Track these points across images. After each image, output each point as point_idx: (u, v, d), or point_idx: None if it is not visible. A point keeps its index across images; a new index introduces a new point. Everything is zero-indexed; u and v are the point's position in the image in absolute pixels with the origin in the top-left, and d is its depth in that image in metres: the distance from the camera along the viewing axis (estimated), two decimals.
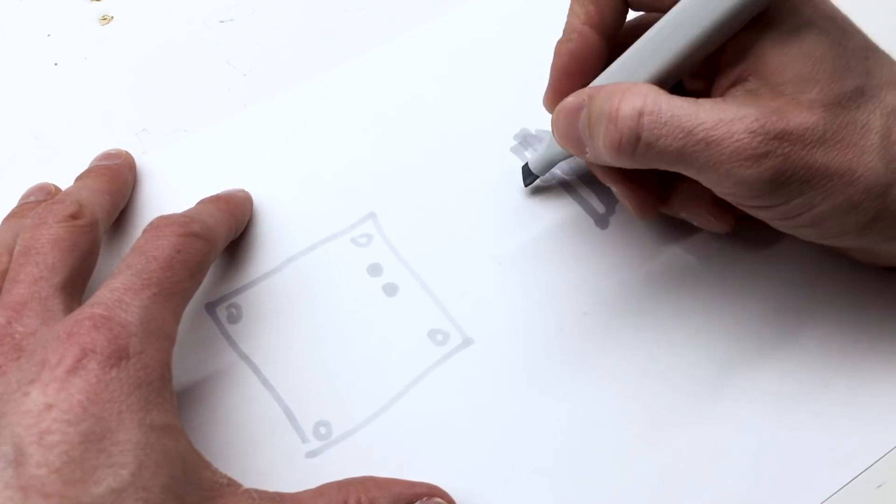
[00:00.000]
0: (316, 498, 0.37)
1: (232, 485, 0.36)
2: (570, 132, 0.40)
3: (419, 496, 0.38)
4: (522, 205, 0.47)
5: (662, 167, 0.38)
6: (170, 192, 0.48)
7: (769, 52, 0.37)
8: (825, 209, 0.37)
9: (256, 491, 0.36)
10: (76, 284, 0.39)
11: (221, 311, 0.44)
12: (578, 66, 0.42)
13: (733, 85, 0.38)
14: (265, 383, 0.42)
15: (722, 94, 0.39)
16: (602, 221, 0.47)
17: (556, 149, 0.44)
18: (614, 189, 0.44)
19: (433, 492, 0.39)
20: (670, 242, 0.46)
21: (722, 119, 0.36)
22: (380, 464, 0.40)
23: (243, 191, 0.47)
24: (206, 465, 0.36)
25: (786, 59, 0.36)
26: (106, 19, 0.55)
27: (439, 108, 0.51)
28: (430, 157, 0.49)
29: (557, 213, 0.47)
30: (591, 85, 0.41)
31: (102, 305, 0.35)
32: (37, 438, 0.31)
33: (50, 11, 0.55)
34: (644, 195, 0.43)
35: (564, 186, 0.48)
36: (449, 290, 0.45)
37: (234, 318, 0.44)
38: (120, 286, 0.36)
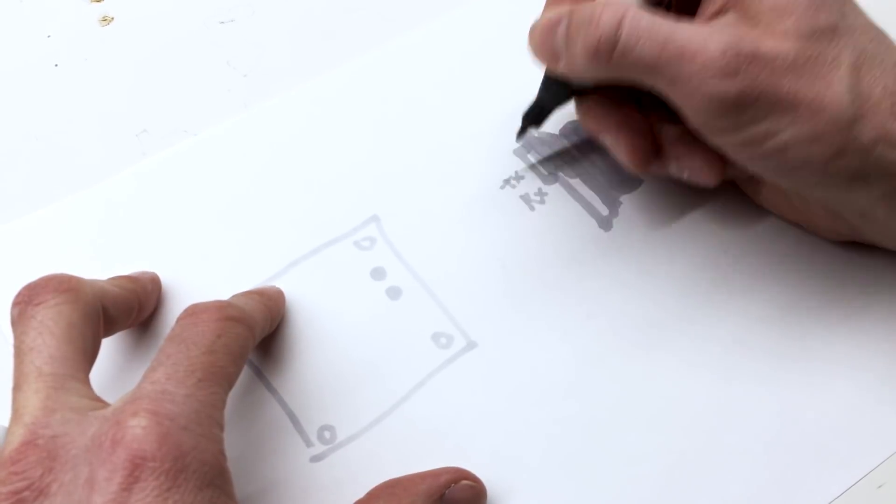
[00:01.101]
0: None
1: None
2: (546, 43, 0.41)
3: (448, 484, 0.38)
4: (525, 208, 0.47)
5: (636, 77, 0.39)
6: (171, 195, 0.48)
7: None
8: (789, 137, 0.37)
9: None
10: (85, 369, 0.36)
11: None
12: None
13: (714, 17, 0.39)
14: (269, 388, 0.42)
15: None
16: (605, 224, 0.47)
17: (545, 93, 0.45)
18: (606, 139, 0.44)
19: (459, 475, 0.39)
20: (674, 245, 0.46)
21: (697, 33, 0.37)
22: (384, 468, 0.40)
23: (275, 287, 0.44)
24: None
25: None
26: (106, 20, 0.55)
27: (441, 110, 0.51)
28: (432, 160, 0.49)
29: (561, 215, 0.47)
30: None
31: (146, 399, 0.32)
32: None
33: (50, 12, 0.55)
34: (637, 142, 0.43)
35: (567, 189, 0.48)
36: (452, 294, 0.45)
37: None
38: (162, 377, 0.33)
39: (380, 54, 0.53)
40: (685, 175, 0.44)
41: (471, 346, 0.44)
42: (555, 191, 0.48)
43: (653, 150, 0.44)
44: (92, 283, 0.38)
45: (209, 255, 0.46)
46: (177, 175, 0.48)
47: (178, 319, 0.36)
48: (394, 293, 0.45)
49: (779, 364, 0.43)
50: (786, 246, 0.46)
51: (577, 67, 0.40)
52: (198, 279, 0.45)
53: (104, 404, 0.33)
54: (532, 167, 0.48)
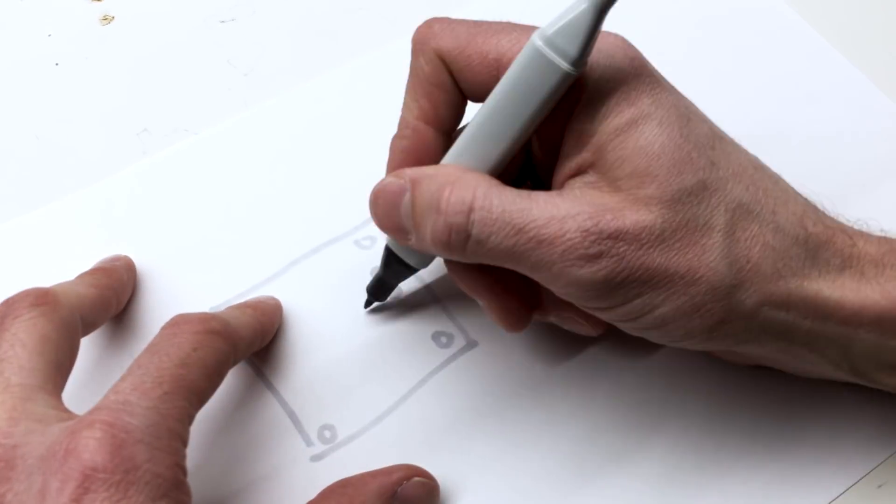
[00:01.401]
0: None
1: None
2: (391, 218, 0.37)
3: (400, 482, 0.38)
4: None
5: (495, 264, 0.36)
6: (171, 194, 0.48)
7: (607, 146, 0.35)
8: (667, 311, 0.35)
9: None
10: (56, 381, 0.35)
11: None
12: (414, 164, 0.39)
13: (573, 176, 0.36)
14: (269, 387, 0.42)
15: (561, 185, 0.37)
16: None
17: (387, 269, 0.43)
18: (480, 302, 0.40)
19: (411, 472, 0.39)
20: None
21: (554, 216, 0.34)
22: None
23: (273, 298, 0.44)
24: None
25: (623, 153, 0.34)
26: (107, 19, 0.55)
27: None
28: None
29: None
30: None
31: (105, 410, 0.31)
32: None
33: (51, 11, 0.55)
34: (510, 306, 0.40)
35: None
36: (453, 293, 0.45)
37: None
38: (127, 387, 0.33)
39: (380, 54, 0.53)
40: (566, 327, 0.42)
41: (471, 345, 0.44)
42: None
43: (528, 309, 0.40)
44: (69, 294, 0.38)
45: (209, 254, 0.46)
46: (177, 174, 0.48)
47: (161, 329, 0.36)
48: (395, 292, 0.45)
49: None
50: None
51: (430, 251, 0.37)
52: (198, 278, 0.45)
53: (71, 416, 0.33)
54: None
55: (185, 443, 0.33)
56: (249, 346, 0.40)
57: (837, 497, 0.41)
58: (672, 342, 0.37)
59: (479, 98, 0.37)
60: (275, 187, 0.48)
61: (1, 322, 0.36)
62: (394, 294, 0.45)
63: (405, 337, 0.44)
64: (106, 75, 0.52)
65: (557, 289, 0.35)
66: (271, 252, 0.46)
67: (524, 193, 0.35)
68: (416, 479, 0.38)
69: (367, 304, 0.45)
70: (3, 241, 0.46)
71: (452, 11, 0.54)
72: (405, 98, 0.40)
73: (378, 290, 0.44)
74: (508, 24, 0.38)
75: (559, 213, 0.34)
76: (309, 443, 0.41)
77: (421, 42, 0.38)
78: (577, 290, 0.35)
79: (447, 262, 0.40)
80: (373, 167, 0.48)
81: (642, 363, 0.43)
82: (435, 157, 0.39)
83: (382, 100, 0.50)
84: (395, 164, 0.40)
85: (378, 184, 0.38)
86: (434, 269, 0.45)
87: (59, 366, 0.36)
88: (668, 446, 0.42)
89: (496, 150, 0.36)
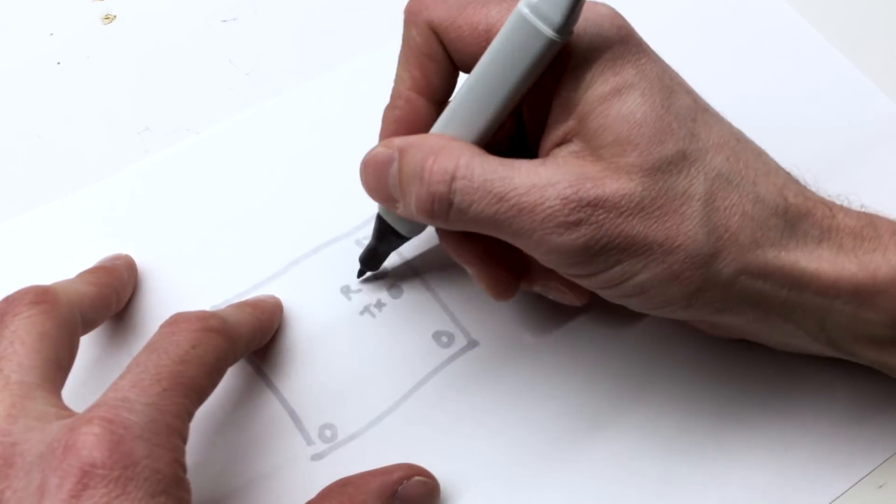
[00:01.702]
0: None
1: None
2: (380, 187, 0.38)
3: (400, 481, 0.38)
4: None
5: (479, 231, 0.36)
6: (173, 193, 0.48)
7: (591, 114, 0.35)
8: (646, 278, 0.35)
9: None
10: (55, 378, 0.35)
11: None
12: (405, 134, 0.39)
13: (558, 145, 0.37)
14: (270, 386, 0.42)
15: (547, 154, 0.37)
16: None
17: (378, 240, 0.43)
18: (469, 270, 0.41)
19: (412, 471, 0.39)
20: None
21: (535, 184, 0.34)
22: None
23: (273, 297, 0.44)
24: None
25: (606, 121, 0.35)
26: (108, 18, 0.55)
27: None
28: None
29: None
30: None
31: (104, 407, 0.31)
32: None
33: (53, 10, 0.55)
34: (499, 275, 0.41)
35: None
36: (454, 292, 0.45)
37: None
38: (126, 384, 0.33)
39: (381, 53, 0.53)
40: (551, 296, 0.42)
41: (472, 344, 0.44)
42: None
43: (516, 278, 0.41)
44: (69, 292, 0.38)
45: (210, 253, 0.46)
46: (179, 173, 0.48)
47: (160, 327, 0.36)
48: (395, 291, 0.45)
49: (781, 364, 0.43)
50: None
51: (416, 219, 0.38)
52: (199, 277, 0.45)
53: (70, 413, 0.33)
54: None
55: (184, 439, 0.33)
56: (249, 343, 0.40)
57: (838, 497, 0.41)
58: (652, 310, 0.38)
59: (470, 68, 0.38)
60: (276, 187, 0.48)
61: (0, 319, 0.36)
62: (389, 290, 0.45)
63: (406, 336, 0.44)
64: (107, 74, 0.52)
65: (539, 256, 0.36)
66: (272, 251, 0.46)
67: (507, 162, 0.35)
68: (417, 478, 0.39)
69: (360, 273, 0.45)
70: (4, 240, 0.46)
71: None
72: (397, 69, 0.40)
73: (370, 260, 0.44)
74: None
75: (540, 182, 0.34)
76: (309, 442, 0.41)
77: (413, 13, 0.39)
78: (558, 257, 0.35)
79: (438, 230, 0.41)
80: None
81: (644, 359, 0.44)
82: (426, 127, 0.39)
83: (384, 99, 0.51)
84: (386, 134, 0.40)
85: (368, 153, 0.38)
86: (435, 270, 0.45)
87: (59, 363, 0.35)
88: (668, 444, 0.42)
89: (482, 118, 0.37)
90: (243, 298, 0.44)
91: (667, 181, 0.35)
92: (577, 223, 0.34)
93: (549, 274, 0.39)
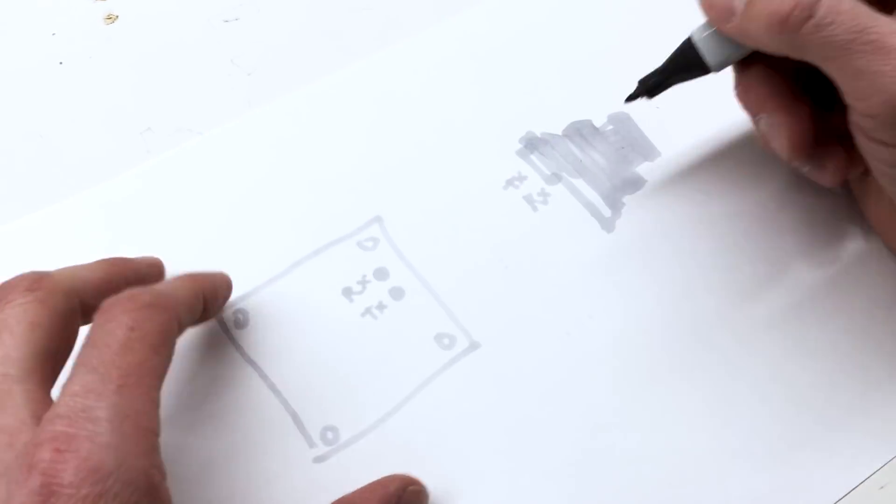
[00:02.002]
0: None
1: None
2: None
3: (399, 493, 0.38)
4: (528, 208, 0.47)
5: (817, 58, 0.35)
6: (175, 195, 0.48)
7: None
8: None
9: None
10: (44, 370, 0.34)
11: (228, 316, 0.44)
12: None
13: None
14: (272, 388, 0.42)
15: None
16: (608, 225, 0.47)
17: (679, 62, 0.42)
18: (763, 120, 0.41)
19: (406, 481, 0.39)
20: (676, 247, 0.46)
21: None
22: (387, 468, 0.40)
23: (221, 273, 0.43)
24: None
25: None
26: (111, 18, 0.55)
27: (445, 111, 0.51)
28: (436, 160, 0.49)
29: (563, 216, 0.47)
30: None
31: (64, 420, 0.29)
32: None
33: (55, 10, 0.55)
34: (799, 129, 0.40)
35: (570, 190, 0.48)
36: (455, 294, 0.45)
37: (240, 324, 0.44)
38: (80, 389, 0.30)
39: (385, 55, 0.53)
40: (805, 170, 0.42)
41: (473, 346, 0.44)
42: (557, 192, 0.48)
43: (812, 139, 0.41)
44: (68, 278, 0.36)
45: (212, 254, 0.46)
46: (181, 175, 0.48)
47: (94, 318, 0.34)
48: (397, 293, 0.45)
49: (782, 366, 0.43)
50: (791, 245, 0.46)
51: (752, 31, 0.37)
52: None
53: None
54: (535, 168, 0.47)
55: (156, 433, 0.32)
56: (191, 311, 0.39)
57: (840, 499, 0.41)
58: None
59: None
60: (278, 188, 0.48)
61: None
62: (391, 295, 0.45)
63: (407, 338, 0.44)
64: (110, 74, 0.52)
65: (868, 103, 0.35)
66: (274, 253, 0.46)
67: (873, 9, 0.35)
68: (411, 487, 0.39)
69: (632, 97, 0.44)
70: (7, 242, 0.46)
71: (458, 12, 0.54)
72: None
73: (653, 88, 0.43)
74: None
75: None
76: (311, 444, 0.41)
77: None
78: (886, 110, 0.34)
79: (738, 77, 0.41)
80: (376, 168, 0.48)
81: (644, 363, 0.43)
82: None
83: (386, 100, 0.51)
84: None
85: None
86: (437, 269, 0.46)
87: (50, 354, 0.34)
88: (670, 445, 0.42)
89: None
90: (245, 301, 0.44)
91: None
92: None
93: (820, 145, 0.40)
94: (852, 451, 0.42)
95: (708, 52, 0.41)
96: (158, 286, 0.37)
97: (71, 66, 0.53)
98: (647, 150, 0.49)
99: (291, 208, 0.47)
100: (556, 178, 0.48)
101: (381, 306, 0.45)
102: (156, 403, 0.32)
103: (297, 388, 0.42)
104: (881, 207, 0.43)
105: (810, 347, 0.44)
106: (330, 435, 0.42)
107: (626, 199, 0.48)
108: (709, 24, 0.40)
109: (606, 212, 0.47)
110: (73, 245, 0.46)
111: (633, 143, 0.49)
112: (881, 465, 0.41)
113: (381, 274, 0.45)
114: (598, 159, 0.49)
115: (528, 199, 0.48)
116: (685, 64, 0.42)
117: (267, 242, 0.46)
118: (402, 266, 0.46)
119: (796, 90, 0.40)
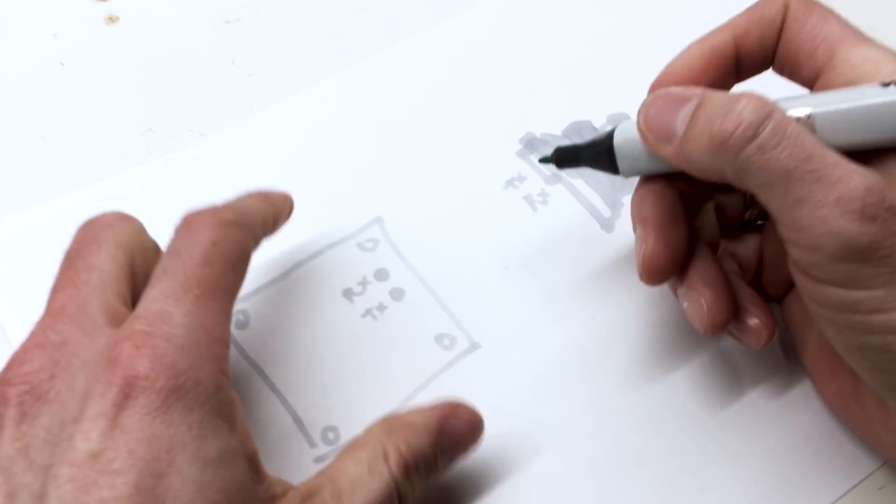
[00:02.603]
0: (352, 461, 0.36)
1: (283, 490, 0.34)
2: (663, 118, 0.36)
3: (446, 417, 0.38)
4: (528, 209, 0.47)
5: (755, 184, 0.34)
6: (175, 196, 0.48)
7: None
8: None
9: (303, 484, 0.35)
10: (121, 288, 0.36)
11: None
12: (702, 56, 0.39)
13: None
14: (273, 389, 0.42)
15: None
16: (608, 225, 0.47)
17: (593, 155, 0.40)
18: (638, 230, 0.39)
19: (457, 407, 0.38)
20: None
21: (844, 165, 0.32)
22: None
23: (285, 192, 0.44)
24: (262, 478, 0.34)
25: None
26: (112, 19, 0.55)
27: (445, 113, 0.51)
28: (436, 162, 0.49)
29: (563, 216, 0.47)
30: None
31: (142, 320, 0.32)
32: (85, 497, 0.29)
33: (56, 11, 0.55)
34: (664, 251, 0.39)
35: (570, 190, 0.48)
36: (455, 295, 0.45)
37: (241, 325, 0.44)
38: (159, 294, 0.33)
39: (385, 57, 0.53)
40: (685, 305, 0.40)
41: (474, 347, 0.44)
42: (557, 192, 0.48)
43: (673, 264, 0.39)
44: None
45: None
46: (182, 175, 0.49)
47: (175, 229, 0.36)
48: (397, 294, 0.45)
49: (782, 365, 0.43)
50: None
51: (692, 153, 0.35)
52: None
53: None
54: (535, 168, 0.47)
55: (227, 344, 0.34)
56: (264, 227, 0.41)
57: (838, 499, 0.41)
58: (871, 364, 0.35)
59: (783, 64, 0.39)
60: (279, 189, 0.48)
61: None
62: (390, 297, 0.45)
63: (408, 339, 0.44)
64: (111, 75, 0.53)
65: (809, 236, 0.33)
66: (275, 254, 0.46)
67: (818, 137, 0.33)
68: (462, 415, 0.38)
69: (545, 160, 0.42)
70: (5, 236, 0.47)
71: (458, 13, 0.54)
72: (734, 17, 0.39)
73: (565, 160, 0.42)
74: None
75: (850, 165, 0.32)
76: (312, 444, 0.41)
77: None
78: (831, 242, 0.32)
79: (639, 185, 0.40)
80: (376, 169, 0.49)
81: (645, 363, 0.44)
82: (719, 70, 0.39)
83: (387, 103, 0.51)
84: (684, 53, 0.40)
85: (662, 89, 0.37)
86: (437, 273, 0.46)
87: (131, 271, 0.36)
88: (670, 446, 0.42)
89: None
90: (246, 302, 0.44)
91: None
92: (872, 218, 0.31)
93: (705, 285, 0.39)
94: (850, 452, 0.42)
95: (623, 158, 0.39)
96: (236, 203, 0.39)
97: (72, 67, 0.53)
98: None
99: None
100: (555, 178, 0.48)
101: (381, 307, 0.45)
102: (228, 317, 0.35)
103: (297, 388, 0.43)
104: (821, 358, 0.41)
105: None
106: (331, 435, 0.42)
107: (626, 199, 0.47)
108: (632, 132, 0.39)
109: (606, 212, 0.47)
110: (68, 243, 0.46)
111: None
112: (879, 466, 0.41)
113: (381, 275, 0.46)
114: None
115: (528, 200, 0.48)
116: (598, 157, 0.40)
117: (268, 243, 0.46)
118: (402, 267, 0.46)
119: (681, 218, 0.39)
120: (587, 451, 0.42)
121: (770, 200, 0.33)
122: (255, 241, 0.39)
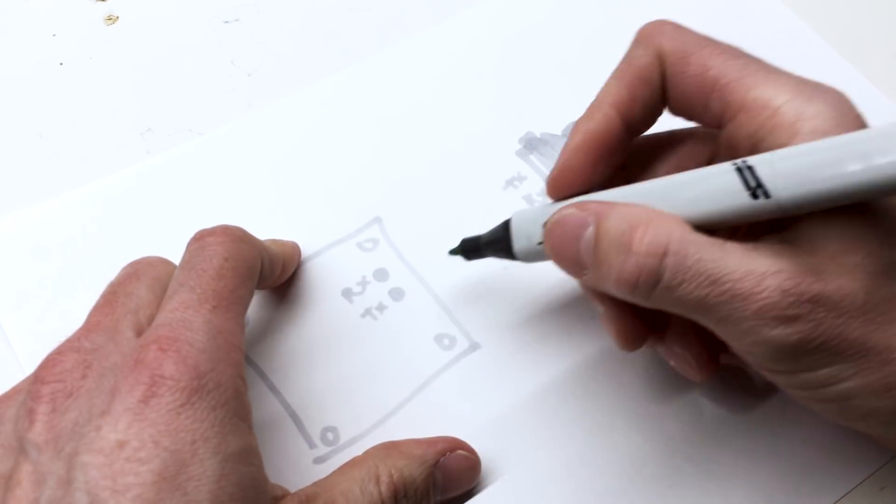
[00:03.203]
0: (347, 477, 0.37)
1: (282, 494, 0.36)
2: (567, 251, 0.36)
3: (443, 453, 0.39)
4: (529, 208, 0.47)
5: (677, 312, 0.34)
6: (174, 195, 0.48)
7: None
8: (853, 386, 0.32)
9: (300, 491, 0.36)
10: (153, 312, 0.37)
11: None
12: (594, 148, 0.38)
13: (770, 230, 0.34)
14: (272, 389, 0.42)
15: (756, 238, 0.34)
16: None
17: (496, 246, 0.41)
18: (600, 309, 0.39)
19: (455, 445, 0.39)
20: None
21: (752, 271, 0.32)
22: None
23: (295, 243, 0.46)
24: (267, 480, 0.35)
25: (833, 215, 0.32)
26: (111, 19, 0.55)
27: (444, 112, 0.51)
28: (435, 161, 0.49)
29: None
30: (599, 198, 0.37)
31: (166, 327, 0.34)
32: (111, 483, 0.30)
33: (55, 11, 0.55)
34: (634, 324, 0.38)
35: None
36: (455, 295, 0.45)
37: None
38: (178, 305, 0.35)
39: (384, 57, 0.53)
40: (671, 363, 0.40)
41: (474, 347, 0.44)
42: None
43: (647, 332, 0.39)
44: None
45: None
46: (181, 175, 0.48)
47: (188, 245, 0.38)
48: (397, 294, 0.45)
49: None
50: None
51: (607, 290, 0.35)
52: None
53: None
54: (534, 168, 0.47)
55: (243, 352, 0.36)
56: (272, 260, 0.42)
57: (839, 500, 0.41)
58: (846, 420, 0.35)
59: (679, 110, 0.38)
60: (277, 190, 0.48)
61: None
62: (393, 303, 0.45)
63: (408, 339, 0.44)
64: (110, 75, 0.53)
65: (740, 346, 0.34)
66: None
67: (717, 242, 0.33)
68: (460, 451, 0.39)
69: (454, 252, 0.43)
70: (2, 236, 0.47)
71: (457, 13, 0.54)
72: (607, 81, 0.39)
73: (470, 252, 0.43)
74: (737, 48, 0.37)
75: (758, 268, 0.32)
76: (312, 445, 0.41)
77: (647, 35, 0.38)
78: (763, 349, 0.33)
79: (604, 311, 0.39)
80: (375, 169, 0.48)
81: (645, 364, 0.43)
82: (614, 151, 0.38)
83: (387, 103, 0.51)
84: (574, 144, 0.38)
85: (557, 212, 0.36)
86: (437, 272, 0.46)
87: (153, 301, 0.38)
88: (671, 446, 0.42)
89: (695, 210, 0.34)
90: None
91: (891, 287, 0.32)
92: (795, 318, 0.31)
93: (685, 341, 0.39)
94: (851, 452, 0.42)
95: (521, 251, 0.40)
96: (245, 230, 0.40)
97: (71, 66, 0.53)
98: None
99: (291, 209, 0.47)
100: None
101: (381, 307, 0.45)
102: (242, 327, 0.37)
103: (297, 388, 0.43)
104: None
105: None
106: (330, 436, 0.42)
107: None
108: (528, 238, 0.39)
109: None
110: (68, 241, 0.46)
111: None
112: (880, 466, 0.41)
113: (380, 275, 0.46)
114: None
115: (528, 200, 0.48)
116: (500, 248, 0.41)
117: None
118: (401, 267, 0.46)
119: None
120: (586, 451, 0.41)
121: (699, 320, 0.34)
122: (263, 261, 0.41)
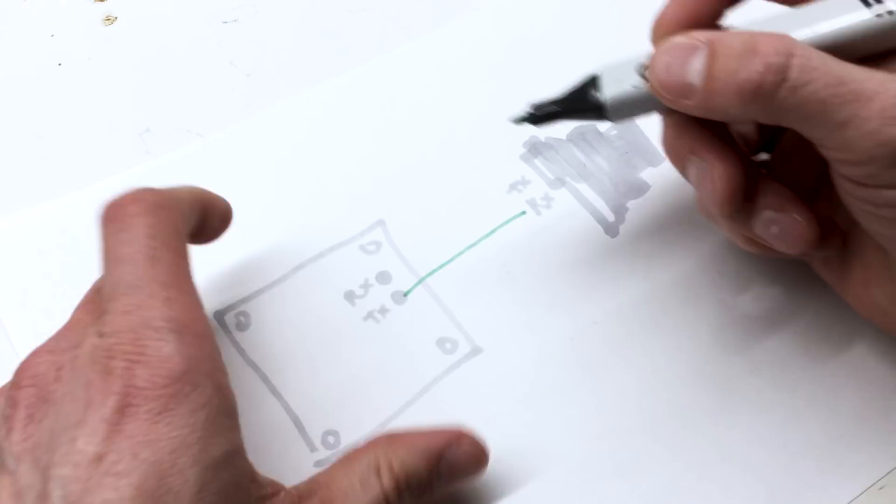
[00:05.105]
0: (346, 471, 0.36)
1: (274, 491, 0.35)
2: (675, 76, 0.35)
3: (448, 444, 0.38)
4: (531, 212, 0.47)
5: (793, 122, 0.34)
6: None
7: None
8: None
9: (295, 487, 0.35)
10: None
11: (230, 318, 0.44)
12: (688, 18, 0.38)
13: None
14: (273, 391, 0.42)
15: None
16: (612, 230, 0.47)
17: (575, 105, 0.39)
18: (694, 166, 0.38)
19: (461, 436, 0.38)
20: (680, 251, 0.46)
21: (874, 77, 0.32)
22: None
23: (221, 196, 0.42)
24: (253, 478, 0.34)
25: None
26: (110, 20, 0.55)
27: (448, 115, 0.51)
28: (439, 165, 0.49)
29: (567, 221, 0.47)
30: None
31: (129, 334, 0.32)
32: (89, 498, 0.29)
33: (54, 12, 0.55)
34: (734, 172, 0.37)
35: (574, 194, 0.48)
36: (457, 299, 0.45)
37: (242, 326, 0.44)
38: (132, 307, 0.33)
39: (387, 59, 0.53)
40: (773, 231, 0.38)
41: (476, 351, 0.44)
42: (561, 196, 0.48)
43: (747, 189, 0.38)
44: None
45: (213, 257, 0.45)
46: (179, 176, 0.48)
47: (101, 228, 0.35)
48: (399, 297, 0.45)
49: (785, 371, 0.43)
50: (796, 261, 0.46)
51: (719, 104, 0.34)
52: (201, 282, 0.44)
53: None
54: (538, 172, 0.47)
55: (212, 336, 0.34)
56: (191, 212, 0.39)
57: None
58: None
59: None
60: (279, 192, 0.48)
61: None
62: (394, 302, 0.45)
63: (409, 343, 0.44)
64: (108, 76, 0.52)
65: (858, 152, 0.33)
66: (276, 256, 0.46)
67: (838, 59, 0.33)
68: (465, 442, 0.38)
69: (522, 119, 0.41)
70: (1, 237, 0.46)
71: (459, 12, 0.54)
72: None
73: (543, 117, 0.40)
74: None
75: (879, 76, 0.33)
76: (313, 448, 0.41)
77: None
78: (883, 153, 0.33)
79: (668, 120, 0.39)
80: (378, 172, 0.48)
81: (647, 369, 0.43)
82: (709, 20, 0.38)
83: (388, 103, 0.51)
84: (672, 8, 0.38)
85: (665, 42, 0.36)
86: (439, 276, 0.45)
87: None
88: (672, 454, 0.42)
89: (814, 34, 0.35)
90: (247, 304, 0.44)
91: None
92: None
93: (781, 201, 0.38)
94: (853, 459, 0.42)
95: (615, 113, 0.38)
96: (158, 188, 0.37)
97: (70, 67, 0.53)
98: (651, 155, 0.49)
99: (293, 212, 0.47)
100: (559, 182, 0.48)
101: (383, 310, 0.45)
102: (200, 304, 0.35)
103: (298, 391, 0.42)
104: (873, 288, 0.40)
105: (813, 353, 0.44)
106: (331, 439, 0.41)
107: (630, 203, 0.47)
108: (622, 84, 0.38)
109: (610, 216, 0.47)
110: (68, 242, 0.46)
111: (637, 148, 0.49)
112: (884, 475, 0.41)
113: (383, 278, 0.45)
114: (602, 164, 0.49)
115: (532, 204, 0.48)
116: (583, 107, 0.39)
117: (269, 245, 0.46)
118: (404, 270, 0.46)
119: (727, 136, 0.38)
120: (589, 456, 0.41)
121: (811, 130, 0.34)
122: (185, 220, 0.38)
